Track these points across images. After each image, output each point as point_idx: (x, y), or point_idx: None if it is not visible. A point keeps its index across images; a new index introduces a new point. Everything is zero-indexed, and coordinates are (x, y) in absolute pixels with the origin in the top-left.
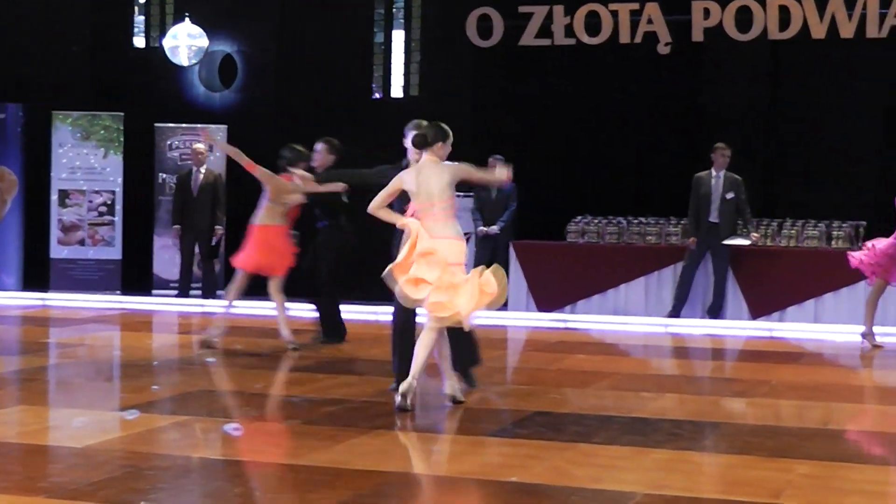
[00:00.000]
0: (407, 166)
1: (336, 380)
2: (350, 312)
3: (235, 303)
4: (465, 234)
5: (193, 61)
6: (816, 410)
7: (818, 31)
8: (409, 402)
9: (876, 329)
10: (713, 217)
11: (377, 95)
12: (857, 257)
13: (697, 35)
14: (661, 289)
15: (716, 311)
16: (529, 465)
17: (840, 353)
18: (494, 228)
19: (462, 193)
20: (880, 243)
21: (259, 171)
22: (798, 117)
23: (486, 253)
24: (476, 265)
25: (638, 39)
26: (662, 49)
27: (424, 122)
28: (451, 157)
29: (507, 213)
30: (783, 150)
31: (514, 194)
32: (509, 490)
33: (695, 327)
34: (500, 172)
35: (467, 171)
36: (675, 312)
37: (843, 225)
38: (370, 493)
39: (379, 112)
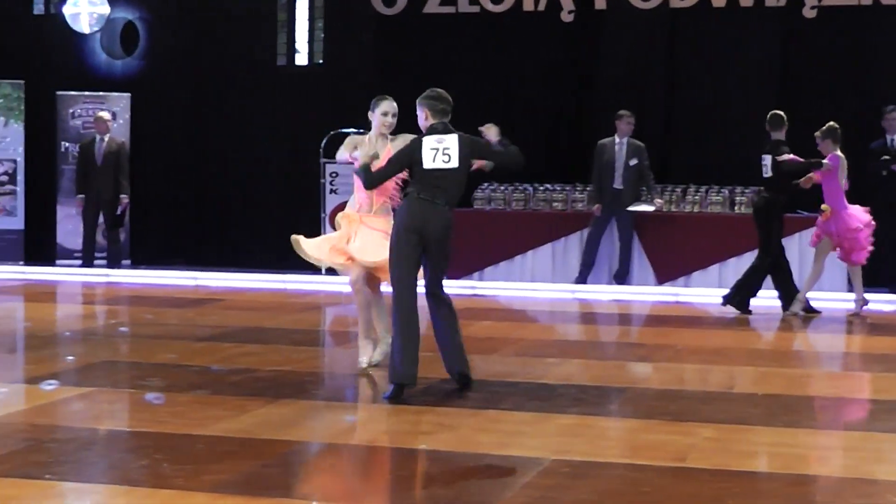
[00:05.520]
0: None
1: (242, 349)
2: (258, 281)
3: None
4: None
5: (95, 28)
6: (719, 374)
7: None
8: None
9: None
10: (617, 184)
11: (282, 63)
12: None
13: (600, 3)
14: (568, 255)
15: (622, 277)
16: (436, 432)
17: (743, 317)
18: None
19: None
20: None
21: None
22: (696, 85)
23: None
24: None
25: (542, 7)
26: (566, 17)
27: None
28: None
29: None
30: (682, 117)
31: None
32: (417, 457)
33: (601, 293)
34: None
35: None
36: (582, 278)
37: (746, 191)
38: (276, 463)
39: (284, 80)
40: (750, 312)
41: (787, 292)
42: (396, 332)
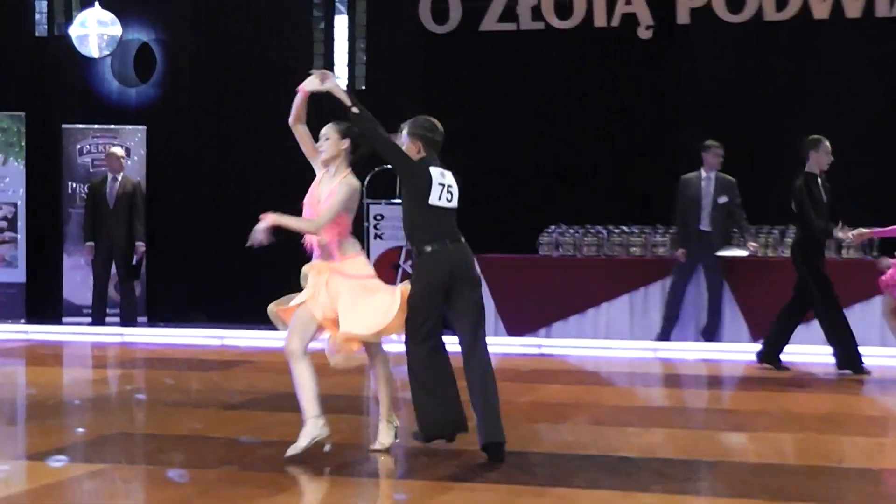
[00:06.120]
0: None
1: (276, 417)
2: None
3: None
4: (396, 247)
5: (105, 52)
6: (826, 445)
7: (820, 10)
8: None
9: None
10: (704, 225)
11: None
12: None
13: (683, 17)
14: (648, 308)
15: (711, 333)
16: None
17: (853, 379)
18: None
19: (396, 201)
20: None
21: None
22: (795, 109)
23: None
24: None
25: (615, 23)
26: (643, 33)
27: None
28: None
29: None
30: (779, 146)
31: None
32: None
33: (687, 351)
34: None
35: None
36: (665, 335)
37: (854, 231)
38: None
39: (321, 109)
40: (865, 372)
41: (775, 345)
42: (418, 384)
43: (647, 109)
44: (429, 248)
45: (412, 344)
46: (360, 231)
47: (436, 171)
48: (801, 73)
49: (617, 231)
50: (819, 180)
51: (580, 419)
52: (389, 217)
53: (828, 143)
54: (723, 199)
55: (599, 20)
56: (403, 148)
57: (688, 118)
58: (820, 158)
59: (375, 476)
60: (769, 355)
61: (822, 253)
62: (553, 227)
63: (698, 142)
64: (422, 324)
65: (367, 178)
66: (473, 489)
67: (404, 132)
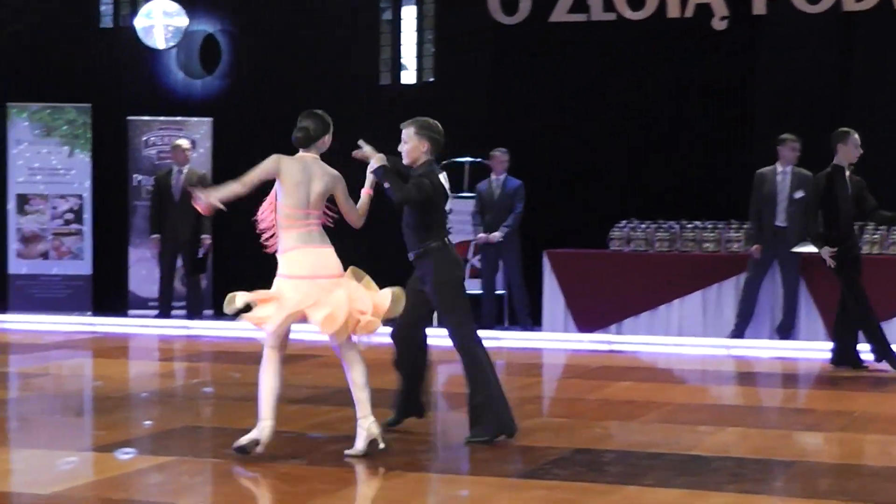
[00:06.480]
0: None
1: (342, 412)
2: None
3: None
4: (465, 241)
5: (170, 43)
6: None
7: None
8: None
9: None
10: (780, 220)
11: (385, 81)
12: None
13: (759, 7)
14: (722, 305)
15: (786, 330)
16: None
17: None
18: (497, 235)
19: (464, 195)
20: None
21: None
22: (876, 103)
23: (491, 265)
24: (482, 278)
25: (689, 13)
26: (718, 24)
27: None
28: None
29: (512, 217)
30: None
31: (521, 193)
32: None
33: (761, 349)
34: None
35: (342, 188)
36: (738, 332)
37: None
38: None
39: (388, 100)
40: None
41: (846, 346)
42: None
43: (721, 102)
44: (437, 244)
45: (469, 340)
46: None
47: (443, 178)
48: (882, 66)
49: (690, 226)
50: (847, 173)
51: (651, 417)
52: (458, 211)
53: (857, 136)
54: (799, 194)
55: (673, 11)
56: (410, 145)
57: (764, 111)
58: (849, 151)
59: (441, 472)
60: (843, 357)
61: (849, 250)
62: (625, 221)
63: (774, 135)
64: (467, 314)
65: None
66: (540, 486)
67: (410, 130)
